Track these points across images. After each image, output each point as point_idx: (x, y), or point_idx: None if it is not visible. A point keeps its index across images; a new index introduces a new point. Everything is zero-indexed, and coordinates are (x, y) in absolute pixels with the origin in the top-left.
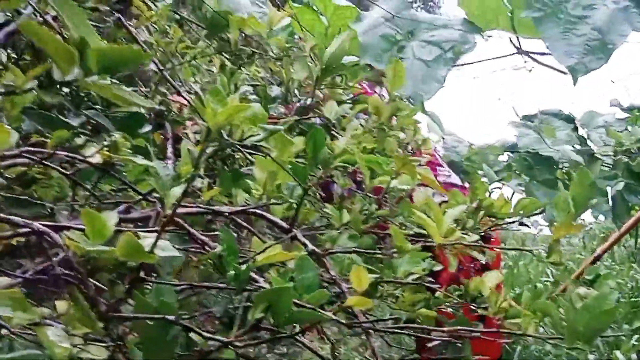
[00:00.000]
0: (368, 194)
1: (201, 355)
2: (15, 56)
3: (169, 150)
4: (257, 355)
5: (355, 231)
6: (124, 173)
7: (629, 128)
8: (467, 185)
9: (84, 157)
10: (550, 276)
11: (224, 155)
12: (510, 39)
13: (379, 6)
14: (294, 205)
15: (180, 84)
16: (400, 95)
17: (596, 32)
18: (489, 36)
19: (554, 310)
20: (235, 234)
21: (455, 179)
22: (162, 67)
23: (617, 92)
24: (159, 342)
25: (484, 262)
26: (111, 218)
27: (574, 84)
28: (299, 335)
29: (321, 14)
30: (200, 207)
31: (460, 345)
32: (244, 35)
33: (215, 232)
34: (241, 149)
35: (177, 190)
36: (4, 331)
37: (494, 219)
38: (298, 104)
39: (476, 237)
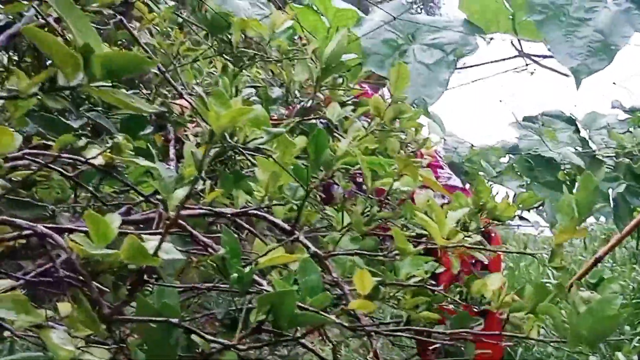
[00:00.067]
0: (370, 195)
1: (203, 357)
2: (17, 58)
3: (171, 151)
4: (259, 357)
5: (357, 233)
6: (125, 175)
7: (631, 130)
8: (467, 187)
9: (86, 159)
10: (552, 277)
11: (225, 157)
12: (511, 41)
13: (380, 8)
14: (295, 207)
15: (182, 86)
16: (403, 99)
17: (598, 34)
18: (490, 38)
19: (557, 313)
20: (235, 235)
21: (455, 181)
22: (163, 69)
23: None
24: (161, 344)
25: (486, 263)
26: (114, 220)
27: (577, 86)
28: (302, 337)
29: (322, 15)
30: (202, 208)
31: (461, 345)
32: (244, 37)
33: (218, 234)
34: (243, 151)
35: (180, 193)
36: (6, 333)
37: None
38: (299, 106)
39: (479, 238)
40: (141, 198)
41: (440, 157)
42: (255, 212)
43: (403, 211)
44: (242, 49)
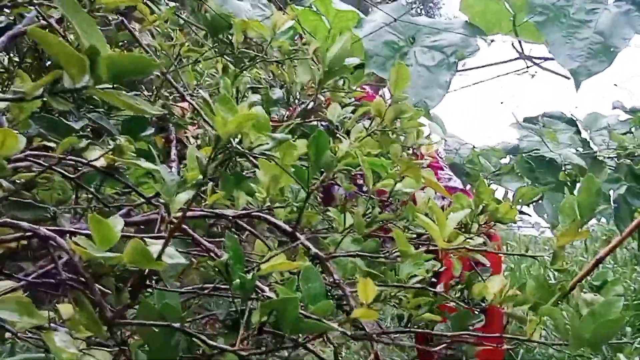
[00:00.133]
0: (371, 196)
1: (204, 359)
2: (18, 59)
3: (173, 152)
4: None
5: (359, 234)
6: (126, 176)
7: (632, 130)
8: (468, 188)
9: (88, 161)
10: (553, 279)
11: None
12: (512, 43)
13: (380, 9)
14: (296, 209)
15: (183, 87)
16: (404, 99)
17: (599, 36)
18: (491, 40)
19: (559, 315)
20: (236, 236)
21: (456, 182)
22: (165, 70)
23: (620, 95)
24: (162, 345)
25: (487, 265)
26: (117, 223)
27: (577, 88)
28: (305, 343)
29: (323, 16)
30: (204, 210)
31: (462, 345)
32: (244, 37)
33: (218, 235)
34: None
35: (183, 197)
36: (7, 334)
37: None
38: (300, 107)
39: (480, 240)
40: (142, 200)
41: (440, 158)
42: (257, 213)
43: (405, 213)
44: (243, 50)
